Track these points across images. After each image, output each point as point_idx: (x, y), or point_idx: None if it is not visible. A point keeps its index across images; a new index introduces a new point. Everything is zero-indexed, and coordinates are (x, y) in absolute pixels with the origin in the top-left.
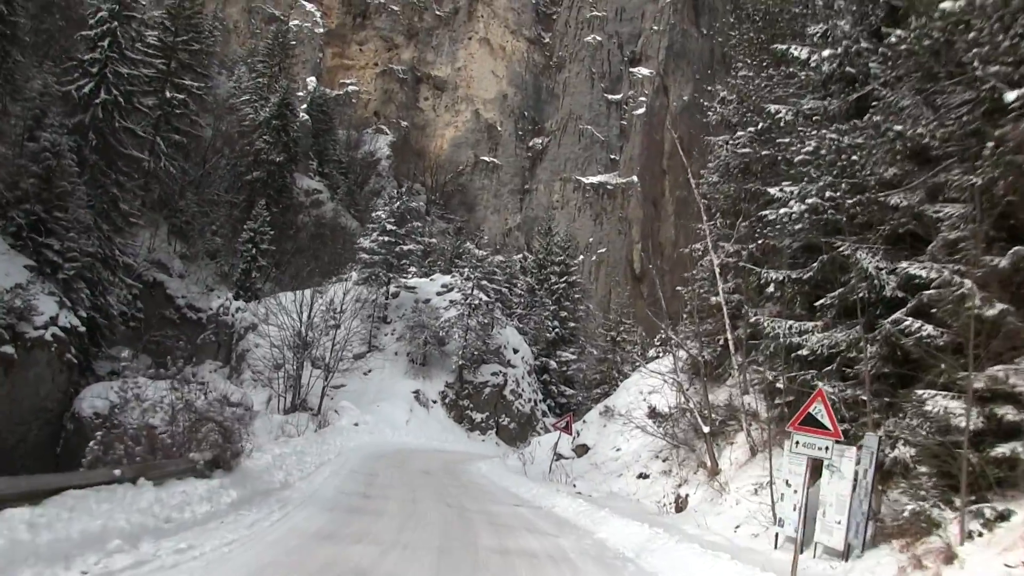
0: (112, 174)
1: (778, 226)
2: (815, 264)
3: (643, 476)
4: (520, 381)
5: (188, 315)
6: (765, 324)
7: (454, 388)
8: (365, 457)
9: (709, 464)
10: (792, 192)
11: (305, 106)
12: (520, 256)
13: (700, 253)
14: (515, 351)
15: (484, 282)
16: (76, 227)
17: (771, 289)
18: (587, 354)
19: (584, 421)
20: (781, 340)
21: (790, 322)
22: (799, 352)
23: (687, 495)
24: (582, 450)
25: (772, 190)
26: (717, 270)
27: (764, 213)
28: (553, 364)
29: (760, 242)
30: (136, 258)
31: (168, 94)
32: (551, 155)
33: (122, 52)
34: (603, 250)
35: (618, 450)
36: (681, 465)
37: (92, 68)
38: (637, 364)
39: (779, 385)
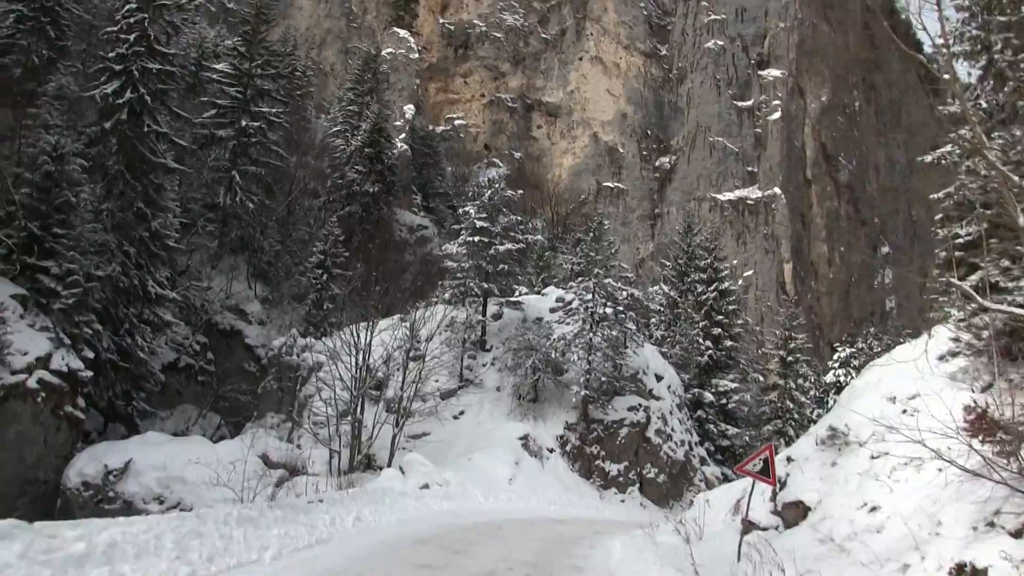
0: (138, 185)
1: None
2: None
3: (965, 570)
4: (668, 417)
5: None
6: None
7: (577, 430)
8: (375, 549)
9: None
10: None
11: (404, 135)
12: (656, 288)
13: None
14: (658, 378)
15: (609, 281)
16: (81, 247)
17: None
18: (750, 381)
19: (789, 459)
20: None
21: None
22: None
23: None
24: (796, 512)
25: None
26: None
27: None
28: (708, 396)
29: None
30: (209, 304)
31: (244, 123)
32: (681, 174)
33: (151, 46)
34: (749, 272)
35: (874, 509)
36: None
37: (117, 66)
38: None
39: None
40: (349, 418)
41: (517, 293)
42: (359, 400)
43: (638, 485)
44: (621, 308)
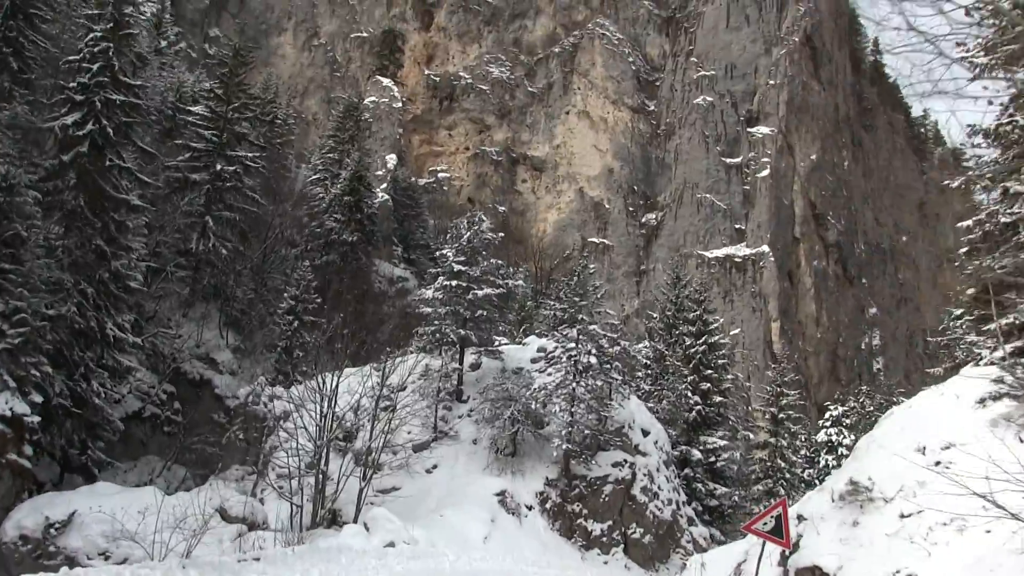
0: (98, 222)
1: None
2: None
3: None
4: (655, 474)
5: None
6: None
7: (558, 486)
8: None
9: None
10: None
11: (385, 185)
12: (642, 344)
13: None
14: (645, 433)
15: (595, 328)
16: (32, 284)
17: None
18: (740, 439)
19: (800, 518)
20: None
21: None
22: None
23: None
24: None
25: None
26: None
27: None
28: (696, 453)
29: None
30: (178, 352)
31: (219, 167)
32: (667, 230)
33: (115, 76)
34: (736, 331)
35: None
36: None
37: (78, 96)
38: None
39: None
40: (317, 469)
41: (497, 343)
42: (324, 450)
43: (622, 546)
44: (606, 358)
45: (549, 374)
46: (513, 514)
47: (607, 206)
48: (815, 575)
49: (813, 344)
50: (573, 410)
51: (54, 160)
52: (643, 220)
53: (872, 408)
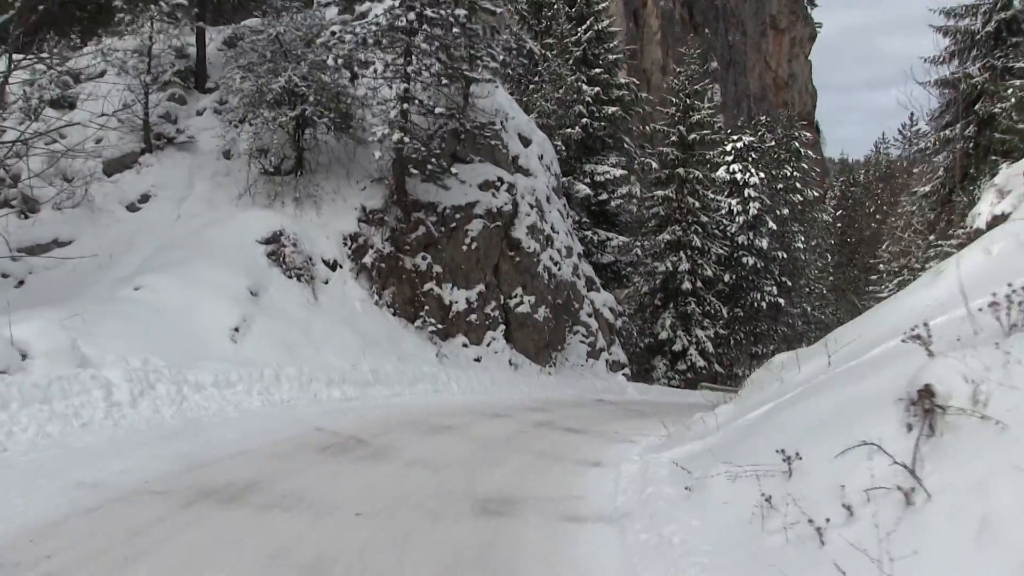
0: None
1: None
2: None
3: None
4: (544, 207)
5: None
6: None
7: (385, 225)
8: None
9: None
10: None
11: None
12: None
13: None
14: (525, 141)
15: None
16: None
17: None
18: (639, 168)
19: None
20: None
21: None
22: None
23: None
24: None
25: None
26: None
27: None
28: (583, 188)
29: None
30: None
31: None
32: None
33: None
34: None
35: None
36: None
37: None
38: None
39: None
40: None
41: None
42: None
43: (502, 327)
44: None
45: (351, 24)
46: (298, 278)
47: None
48: None
49: (659, 94)
50: (410, 71)
51: None
52: None
53: (773, 143)
